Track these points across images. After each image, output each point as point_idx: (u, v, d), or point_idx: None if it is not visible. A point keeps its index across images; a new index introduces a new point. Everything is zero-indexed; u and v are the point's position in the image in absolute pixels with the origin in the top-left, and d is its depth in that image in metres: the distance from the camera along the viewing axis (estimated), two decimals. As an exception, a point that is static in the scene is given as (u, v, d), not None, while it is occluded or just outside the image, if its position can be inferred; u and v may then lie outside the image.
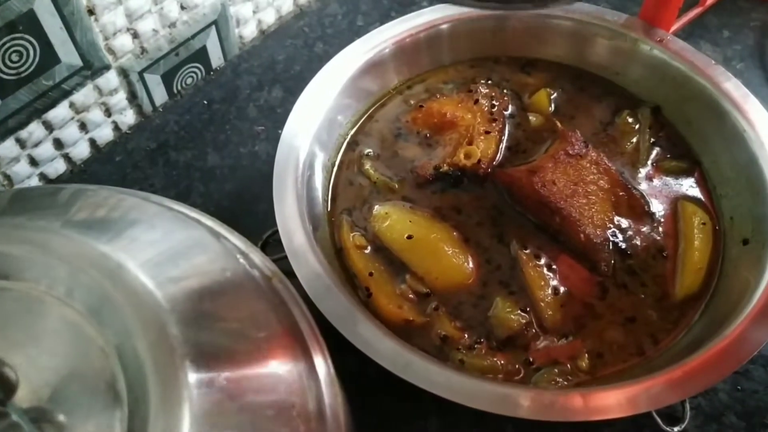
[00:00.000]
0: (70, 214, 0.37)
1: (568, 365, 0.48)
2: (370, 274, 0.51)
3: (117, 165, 0.65)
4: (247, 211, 0.61)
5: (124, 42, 0.61)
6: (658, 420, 0.48)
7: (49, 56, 0.55)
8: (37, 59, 0.55)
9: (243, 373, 0.30)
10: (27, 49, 0.54)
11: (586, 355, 0.49)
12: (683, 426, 0.49)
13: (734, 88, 0.56)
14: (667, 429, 0.49)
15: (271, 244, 0.55)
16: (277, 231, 0.50)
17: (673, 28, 0.64)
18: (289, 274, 0.46)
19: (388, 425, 0.51)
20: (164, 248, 0.35)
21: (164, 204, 0.42)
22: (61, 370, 0.30)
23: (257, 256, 0.39)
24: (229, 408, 0.29)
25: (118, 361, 0.30)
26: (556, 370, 0.48)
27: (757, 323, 0.44)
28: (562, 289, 0.51)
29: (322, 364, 0.36)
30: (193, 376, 0.29)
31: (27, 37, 0.53)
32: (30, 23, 0.52)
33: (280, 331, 0.34)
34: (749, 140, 0.54)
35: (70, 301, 0.31)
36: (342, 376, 0.39)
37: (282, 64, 0.72)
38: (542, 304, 0.50)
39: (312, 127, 0.55)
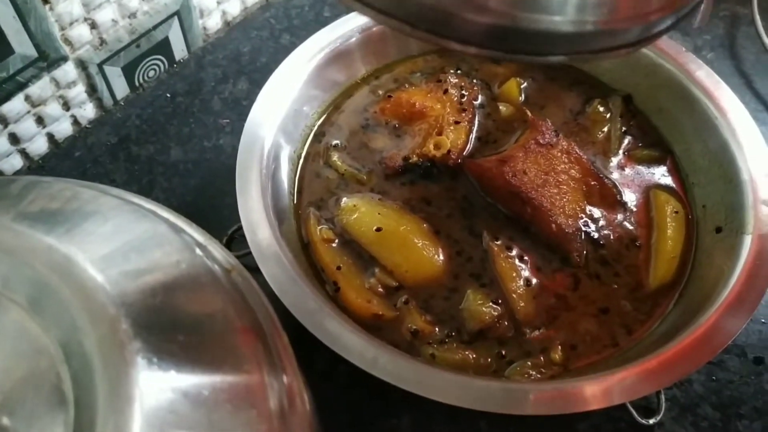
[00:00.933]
0: (22, 206, 0.36)
1: (542, 358, 0.47)
2: (338, 268, 0.50)
3: (76, 160, 0.63)
4: (212, 206, 0.59)
5: (81, 32, 0.58)
6: (633, 413, 0.48)
7: (1, 46, 0.53)
8: (-12, 50, 0.53)
9: (199, 370, 0.29)
10: (-22, 40, 0.52)
11: (560, 347, 0.48)
12: (658, 418, 0.49)
13: (705, 76, 0.55)
14: (643, 421, 0.48)
15: (236, 240, 0.53)
16: (242, 226, 0.48)
17: (643, 16, 0.64)
18: (256, 270, 0.44)
19: (360, 423, 0.50)
20: (118, 242, 0.33)
21: (122, 197, 0.40)
22: (1, 370, 0.28)
23: (217, 249, 0.37)
24: (183, 407, 0.28)
25: (64, 359, 0.28)
26: (529, 363, 0.47)
27: (731, 312, 0.44)
28: (534, 281, 0.50)
29: (285, 361, 0.34)
30: (144, 374, 0.27)
31: (-23, 26, 0.51)
32: (-20, 12, 0.50)
33: (239, 326, 0.32)
34: (720, 127, 0.53)
35: (10, 295, 0.29)
36: (311, 373, 0.38)
37: (247, 56, 0.70)
38: (514, 296, 0.49)
39: (277, 118, 0.54)
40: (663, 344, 0.44)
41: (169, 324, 0.30)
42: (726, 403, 0.51)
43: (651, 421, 0.49)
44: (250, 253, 0.46)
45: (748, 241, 0.47)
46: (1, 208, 0.35)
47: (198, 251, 0.35)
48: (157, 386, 0.27)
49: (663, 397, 0.50)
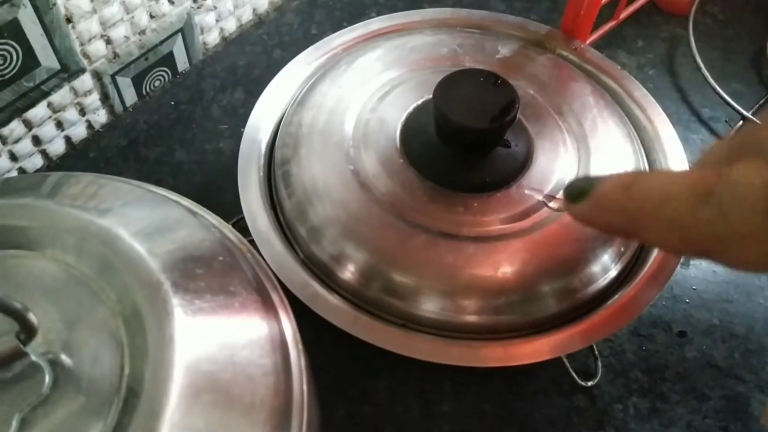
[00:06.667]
0: (60, 196, 0.43)
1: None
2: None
3: (91, 161, 0.70)
4: (213, 201, 0.65)
5: (98, 47, 0.66)
6: (575, 375, 0.56)
7: (30, 60, 0.61)
8: (19, 63, 0.60)
9: (224, 321, 0.37)
10: (11, 54, 0.59)
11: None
12: (596, 381, 0.58)
13: (635, 87, 0.65)
14: (582, 383, 0.57)
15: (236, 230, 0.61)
16: (241, 218, 0.56)
17: (591, 38, 0.73)
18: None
19: (343, 384, 0.58)
20: (150, 223, 0.41)
21: (144, 187, 0.48)
22: (70, 323, 0.36)
23: (229, 232, 0.45)
24: (212, 348, 0.36)
25: (120, 313, 0.36)
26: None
27: (649, 286, 0.53)
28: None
29: (287, 325, 0.42)
30: (182, 323, 0.35)
31: (11, 42, 0.58)
32: (14, 30, 0.58)
33: (252, 292, 0.40)
34: (648, 132, 0.63)
35: (78, 266, 0.37)
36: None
37: (243, 69, 0.78)
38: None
39: (272, 123, 0.62)
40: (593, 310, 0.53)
41: (198, 287, 0.38)
42: (653, 369, 0.60)
43: (589, 383, 0.57)
44: (250, 240, 0.54)
45: (664, 229, 0.56)
46: (46, 196, 0.43)
47: (216, 233, 0.43)
48: (192, 332, 0.35)
49: (600, 363, 0.58)
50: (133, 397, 0.33)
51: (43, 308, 0.36)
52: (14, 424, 0.32)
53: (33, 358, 0.34)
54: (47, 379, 0.34)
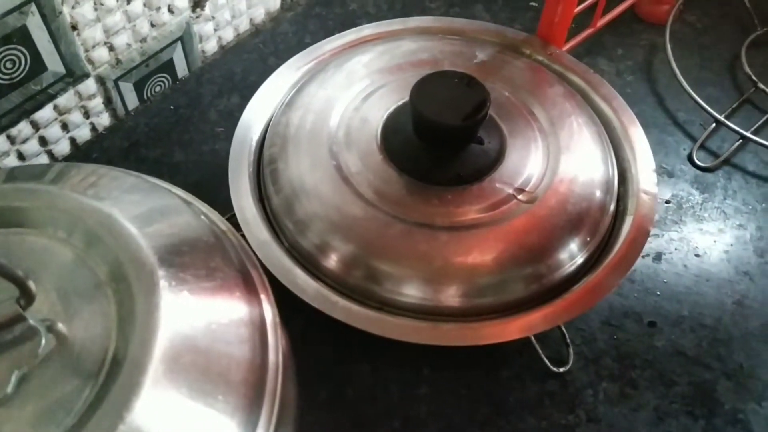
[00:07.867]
0: (62, 182, 0.47)
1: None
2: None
3: (94, 161, 0.74)
4: (209, 199, 0.69)
5: (102, 54, 0.71)
6: (547, 362, 0.59)
7: (37, 65, 0.65)
8: (27, 67, 0.64)
9: (205, 294, 0.40)
10: (19, 58, 0.63)
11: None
12: (568, 367, 0.60)
13: (606, 89, 0.68)
14: (555, 369, 0.59)
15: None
16: (234, 215, 0.59)
17: (569, 45, 0.77)
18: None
19: (326, 369, 0.61)
20: (144, 207, 0.45)
21: (141, 177, 0.51)
22: (65, 293, 0.39)
23: (217, 219, 0.49)
24: (191, 316, 0.39)
25: (110, 286, 0.39)
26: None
27: (613, 272, 0.56)
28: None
29: (266, 303, 0.45)
30: (166, 293, 0.38)
31: (20, 48, 0.62)
32: (23, 36, 0.62)
33: (234, 271, 0.44)
34: (618, 130, 0.66)
35: (72, 241, 0.41)
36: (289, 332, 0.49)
37: (239, 75, 0.82)
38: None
39: (262, 124, 0.66)
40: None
41: (183, 263, 0.41)
42: (623, 357, 0.63)
43: (561, 370, 0.60)
44: (242, 235, 0.58)
45: (630, 221, 0.60)
46: (49, 182, 0.47)
47: (203, 218, 0.47)
48: (175, 301, 0.39)
49: (572, 351, 0.61)
50: (120, 358, 0.37)
51: (42, 280, 0.40)
52: (13, 380, 0.35)
53: (31, 322, 0.37)
54: (43, 342, 0.37)
